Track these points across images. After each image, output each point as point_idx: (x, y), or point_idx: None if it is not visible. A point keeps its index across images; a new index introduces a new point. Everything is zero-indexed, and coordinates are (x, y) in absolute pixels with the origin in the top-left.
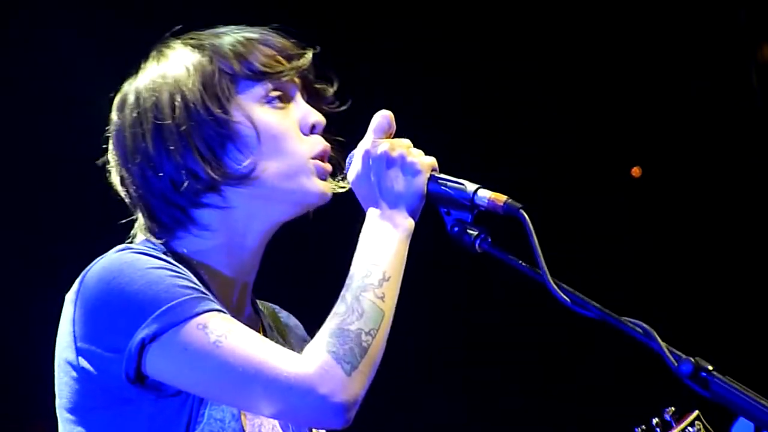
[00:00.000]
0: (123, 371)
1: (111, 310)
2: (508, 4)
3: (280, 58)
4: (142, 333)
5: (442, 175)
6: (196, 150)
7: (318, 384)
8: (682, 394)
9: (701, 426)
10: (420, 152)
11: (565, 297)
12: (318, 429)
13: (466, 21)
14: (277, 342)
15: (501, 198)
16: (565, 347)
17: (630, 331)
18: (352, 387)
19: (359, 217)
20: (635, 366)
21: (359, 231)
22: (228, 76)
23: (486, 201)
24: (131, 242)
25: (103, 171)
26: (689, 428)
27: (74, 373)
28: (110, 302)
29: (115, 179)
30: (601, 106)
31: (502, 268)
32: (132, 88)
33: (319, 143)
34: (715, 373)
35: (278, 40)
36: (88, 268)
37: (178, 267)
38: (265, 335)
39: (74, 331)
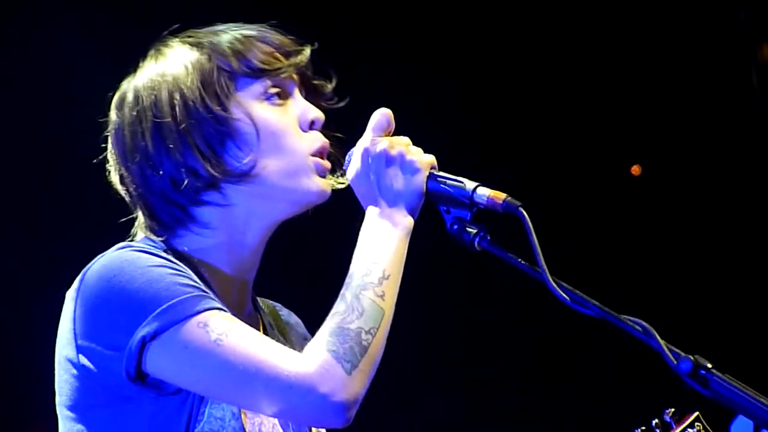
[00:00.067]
0: (123, 369)
1: (111, 308)
2: (508, 4)
3: (278, 55)
4: (143, 331)
5: (442, 173)
6: (195, 148)
7: (318, 383)
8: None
9: (701, 427)
10: (419, 150)
11: (564, 295)
12: (318, 428)
13: (466, 21)
14: (277, 340)
15: (500, 196)
16: (564, 346)
17: (629, 330)
18: (352, 386)
19: (359, 216)
20: (635, 364)
21: (359, 229)
22: (227, 74)
23: (485, 199)
24: (131, 240)
25: (103, 171)
26: (689, 429)
27: (74, 371)
28: (111, 300)
29: (114, 178)
30: (601, 106)
31: (501, 266)
32: (131, 86)
33: (318, 139)
34: (714, 371)
35: (276, 37)
36: (88, 265)
37: (179, 265)
38: (266, 333)
39: (75, 329)
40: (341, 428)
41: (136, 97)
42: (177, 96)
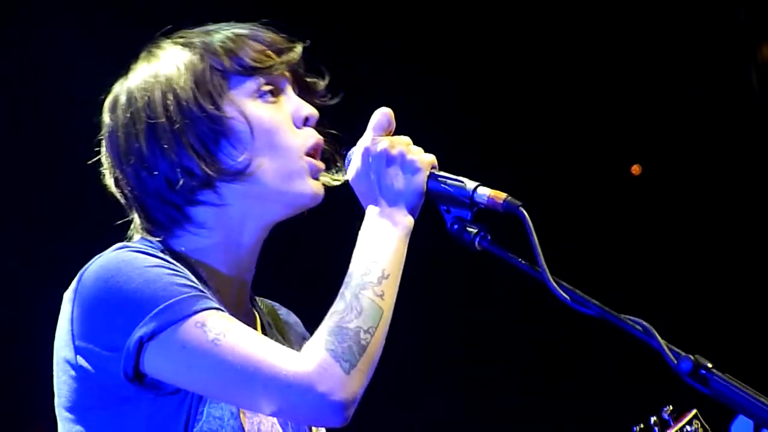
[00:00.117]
0: (121, 370)
1: (109, 309)
2: (508, 4)
3: (270, 53)
4: (140, 331)
5: (442, 173)
6: (190, 147)
7: (317, 382)
8: (682, 393)
9: (699, 425)
10: (419, 150)
11: (564, 295)
12: (317, 427)
13: (466, 21)
14: (276, 340)
15: (500, 195)
16: (564, 345)
17: (630, 329)
18: (350, 385)
19: (358, 215)
20: (635, 364)
21: (358, 229)
22: (219, 73)
23: (485, 198)
24: (128, 242)
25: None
26: (687, 427)
27: (73, 372)
28: (108, 301)
29: (109, 181)
30: (601, 106)
31: (501, 266)
32: (123, 89)
33: (312, 136)
34: (714, 370)
35: (268, 35)
36: (86, 266)
37: (176, 265)
38: (265, 333)
39: (72, 330)
40: (339, 427)
41: (129, 99)
42: (170, 96)
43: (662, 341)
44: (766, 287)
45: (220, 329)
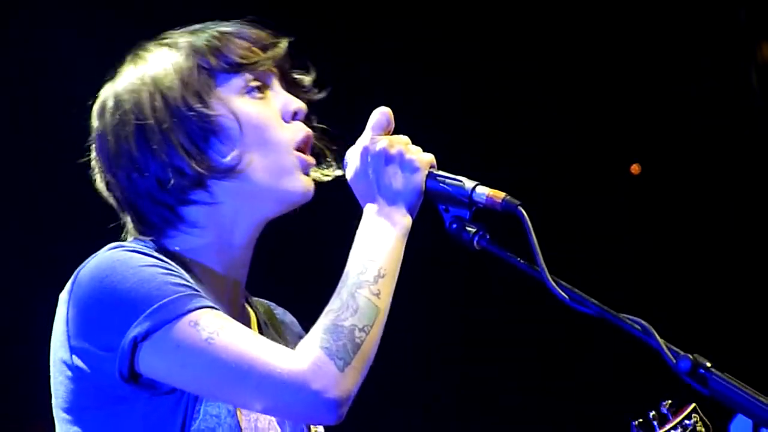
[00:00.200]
0: (117, 370)
1: (103, 309)
2: (508, 4)
3: (256, 49)
4: (135, 331)
5: (441, 172)
6: (180, 146)
7: (311, 380)
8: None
9: (698, 418)
10: (418, 149)
11: (563, 294)
12: (312, 425)
13: (466, 21)
14: (273, 339)
15: (499, 195)
16: (563, 344)
17: (628, 328)
18: (344, 383)
19: (354, 213)
20: (634, 363)
21: (355, 227)
22: (206, 71)
23: (484, 198)
24: None
25: None
26: (686, 421)
27: (69, 373)
28: (103, 300)
29: (100, 185)
30: (600, 106)
31: (500, 265)
32: (110, 93)
33: (301, 129)
34: (713, 370)
35: (253, 32)
36: (80, 266)
37: (171, 264)
38: (261, 332)
39: (68, 330)
40: (334, 425)
41: (117, 103)
42: (158, 97)
43: (661, 340)
44: (766, 287)
45: (214, 328)
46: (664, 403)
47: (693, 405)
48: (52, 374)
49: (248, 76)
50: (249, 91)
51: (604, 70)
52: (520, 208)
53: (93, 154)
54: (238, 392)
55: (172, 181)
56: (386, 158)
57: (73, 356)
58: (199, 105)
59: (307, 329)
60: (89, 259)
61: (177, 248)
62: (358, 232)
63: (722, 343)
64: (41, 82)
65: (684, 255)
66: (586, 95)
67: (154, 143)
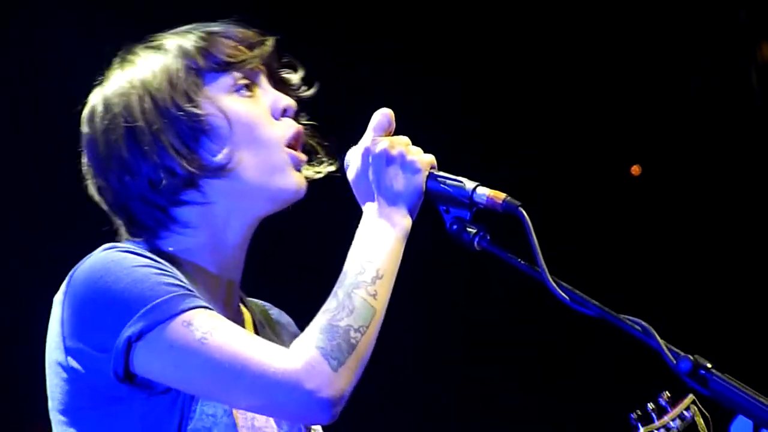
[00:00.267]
0: (111, 370)
1: (98, 309)
2: (508, 4)
3: (242, 48)
4: (128, 331)
5: (441, 173)
6: (170, 147)
7: (304, 379)
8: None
9: (696, 410)
10: (419, 150)
11: (563, 295)
12: (306, 424)
13: (466, 21)
14: (269, 339)
15: (500, 195)
16: (563, 345)
17: (629, 329)
18: (338, 383)
19: (354, 214)
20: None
21: (354, 228)
22: (194, 71)
23: (485, 198)
24: None
25: None
26: (684, 412)
27: (64, 374)
28: (97, 301)
29: (92, 191)
30: (600, 106)
31: (501, 266)
32: (99, 98)
33: (291, 126)
34: (713, 370)
35: (239, 31)
36: (75, 268)
37: (165, 264)
38: (256, 332)
39: (63, 332)
40: (328, 424)
41: (106, 107)
42: (147, 99)
43: (661, 341)
44: (766, 287)
45: (208, 328)
46: (663, 395)
47: (691, 396)
48: (47, 377)
49: (236, 74)
50: (238, 89)
51: (604, 70)
52: (521, 209)
53: (84, 160)
54: (232, 392)
55: (164, 182)
56: (387, 159)
57: (69, 357)
58: (188, 105)
59: (303, 329)
60: (83, 260)
61: (170, 249)
62: (358, 232)
63: (722, 343)
64: (41, 82)
65: (684, 255)
66: (586, 95)
67: (145, 145)
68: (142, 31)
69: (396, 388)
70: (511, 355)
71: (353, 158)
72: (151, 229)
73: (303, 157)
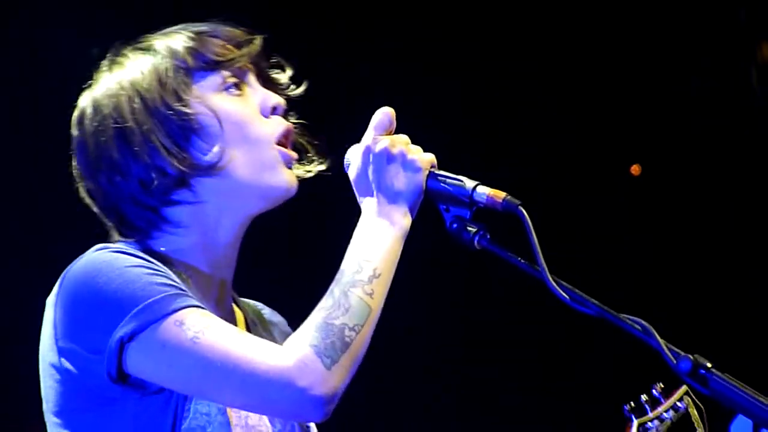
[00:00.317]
0: (105, 371)
1: (90, 310)
2: (508, 4)
3: (230, 47)
4: (121, 332)
5: (441, 172)
6: (161, 146)
7: (296, 377)
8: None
9: (690, 401)
10: (418, 149)
11: (564, 294)
12: (299, 422)
13: (466, 21)
14: (262, 338)
15: (500, 195)
16: (563, 345)
17: (629, 329)
18: (331, 381)
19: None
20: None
21: (346, 226)
22: (183, 71)
23: (485, 197)
24: None
25: None
26: (678, 403)
27: (57, 376)
28: (89, 302)
29: (83, 193)
30: (600, 106)
31: (501, 265)
32: (89, 100)
33: (281, 123)
34: (713, 370)
35: (227, 30)
36: (67, 269)
37: (157, 264)
38: (249, 331)
39: (56, 333)
40: (320, 422)
41: (96, 109)
42: (136, 99)
43: (661, 341)
44: (766, 287)
45: (200, 327)
46: (656, 386)
47: (684, 387)
48: (41, 380)
49: (225, 73)
50: (227, 88)
51: (604, 70)
52: (521, 208)
53: (74, 163)
54: (224, 390)
55: (155, 182)
56: (388, 157)
57: (62, 359)
58: (177, 104)
59: (295, 329)
60: (75, 261)
61: (162, 249)
62: (356, 230)
63: (722, 343)
64: (41, 82)
65: (684, 255)
66: (586, 95)
67: (136, 145)
68: (142, 31)
69: (396, 388)
70: (511, 355)
71: (353, 157)
72: (142, 229)
73: (293, 154)
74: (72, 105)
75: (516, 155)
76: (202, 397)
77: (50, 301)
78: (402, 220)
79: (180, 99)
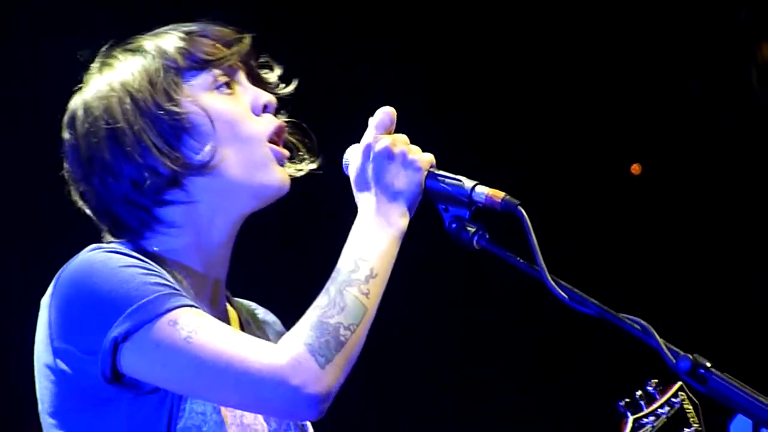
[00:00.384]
0: (99, 371)
1: (84, 310)
2: (508, 4)
3: (220, 46)
4: (115, 332)
5: (440, 172)
6: (153, 146)
7: (290, 375)
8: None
9: (685, 397)
10: (418, 149)
11: (563, 294)
12: (293, 421)
13: (466, 21)
14: (255, 336)
15: (499, 194)
16: (563, 344)
17: (628, 328)
18: (324, 380)
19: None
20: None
21: (336, 227)
22: (173, 71)
23: (484, 197)
24: None
25: None
26: (672, 399)
27: (52, 377)
28: (83, 302)
29: (75, 196)
30: (600, 106)
31: (500, 265)
32: (79, 102)
33: (272, 121)
34: (713, 369)
35: (217, 30)
36: (61, 269)
37: (150, 264)
38: (243, 330)
39: (50, 334)
40: (314, 421)
41: (86, 111)
42: (127, 100)
43: (661, 340)
44: (766, 287)
45: (193, 326)
46: (651, 383)
47: (679, 383)
48: (37, 381)
49: (216, 71)
50: (218, 87)
51: (604, 70)
52: (520, 208)
53: (66, 166)
54: (218, 389)
55: (148, 182)
56: (389, 156)
57: (57, 359)
58: (168, 104)
59: (289, 328)
60: (70, 261)
61: (156, 249)
62: (354, 228)
63: (722, 343)
64: (41, 82)
65: (684, 255)
66: (586, 95)
67: (127, 146)
68: (142, 31)
69: (395, 388)
70: (510, 355)
71: (353, 156)
72: (135, 230)
73: (285, 152)
74: None
75: (516, 155)
76: (196, 396)
77: (45, 301)
78: (400, 220)
79: (171, 99)
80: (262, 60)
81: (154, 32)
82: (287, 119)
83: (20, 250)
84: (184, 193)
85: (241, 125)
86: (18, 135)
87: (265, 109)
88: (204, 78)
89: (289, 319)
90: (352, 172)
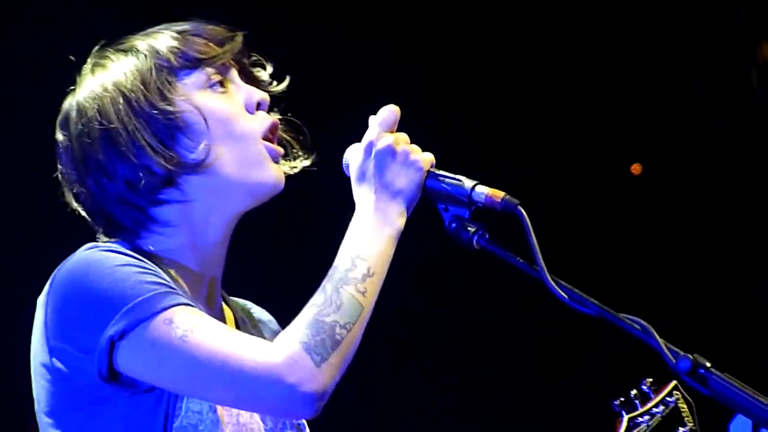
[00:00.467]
0: (96, 370)
1: (80, 309)
2: (508, 4)
3: (212, 45)
4: (111, 331)
5: (440, 171)
6: (147, 145)
7: (285, 374)
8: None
9: (679, 395)
10: (418, 149)
11: (563, 293)
12: (288, 419)
13: (466, 21)
14: (251, 335)
15: (499, 194)
16: (563, 344)
17: (628, 328)
18: (320, 378)
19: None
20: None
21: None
22: (166, 70)
23: (484, 197)
24: None
25: None
26: (667, 398)
27: (49, 376)
28: (79, 301)
29: (69, 198)
30: (601, 106)
31: (500, 265)
32: (73, 104)
33: (266, 118)
34: (713, 370)
35: (208, 28)
36: (57, 268)
37: (146, 263)
38: (238, 329)
39: (46, 333)
40: (310, 419)
41: (80, 111)
42: (120, 100)
43: (661, 340)
44: (765, 287)
45: (189, 325)
46: (645, 382)
47: (674, 382)
48: (33, 380)
49: (209, 70)
50: (211, 85)
51: (604, 70)
52: (520, 208)
53: (59, 168)
54: (214, 388)
55: (143, 182)
56: (391, 155)
57: (53, 359)
58: (162, 103)
59: (284, 327)
60: (65, 260)
61: (151, 248)
62: (351, 226)
63: (722, 343)
64: (41, 82)
65: (684, 255)
66: (586, 95)
67: (121, 145)
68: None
69: (395, 388)
70: (509, 355)
71: (353, 154)
72: (130, 230)
73: (280, 149)
74: None
75: (516, 155)
76: (192, 395)
77: (41, 300)
78: (398, 219)
79: (164, 98)
80: (254, 58)
81: (147, 32)
82: (280, 116)
83: (20, 250)
84: (179, 192)
85: (234, 123)
86: (18, 135)
87: (259, 106)
88: (197, 77)
89: (284, 318)
90: (351, 168)
